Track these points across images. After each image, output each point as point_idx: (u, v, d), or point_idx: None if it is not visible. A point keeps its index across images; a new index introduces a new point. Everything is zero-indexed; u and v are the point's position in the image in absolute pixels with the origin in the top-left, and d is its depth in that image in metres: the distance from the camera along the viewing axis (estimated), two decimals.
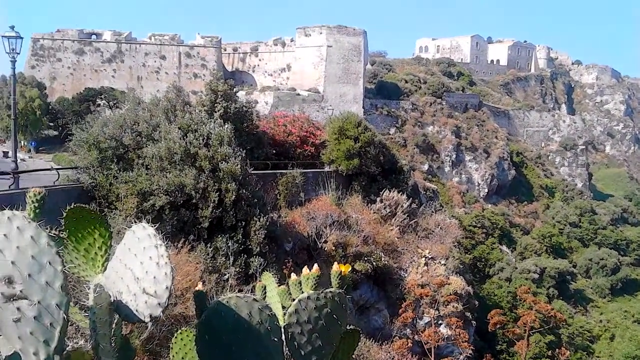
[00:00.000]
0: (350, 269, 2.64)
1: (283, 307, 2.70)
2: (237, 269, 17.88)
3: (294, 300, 2.56)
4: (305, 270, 2.61)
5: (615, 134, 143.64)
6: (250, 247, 19.14)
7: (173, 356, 3.30)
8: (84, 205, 2.44)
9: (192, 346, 3.28)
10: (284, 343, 2.54)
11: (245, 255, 18.53)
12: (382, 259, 25.89)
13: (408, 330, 20.71)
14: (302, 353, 2.56)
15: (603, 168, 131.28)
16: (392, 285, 26.64)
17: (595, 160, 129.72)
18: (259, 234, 19.27)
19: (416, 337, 20.26)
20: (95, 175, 18.54)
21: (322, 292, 2.54)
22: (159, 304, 2.20)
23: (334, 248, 23.35)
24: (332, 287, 2.60)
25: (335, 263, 2.65)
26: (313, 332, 2.54)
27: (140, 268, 2.24)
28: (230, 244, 18.37)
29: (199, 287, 2.51)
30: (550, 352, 52.47)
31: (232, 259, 17.93)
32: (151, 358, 11.20)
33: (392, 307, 25.23)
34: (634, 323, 70.19)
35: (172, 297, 2.27)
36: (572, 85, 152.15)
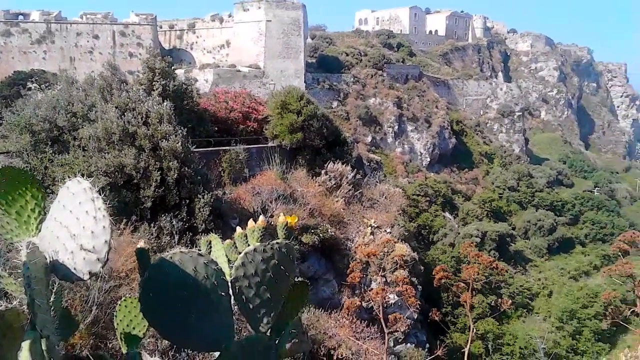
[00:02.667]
0: (296, 219, 2.62)
1: (230, 262, 2.65)
2: (183, 247, 17.65)
3: (240, 253, 2.52)
4: (250, 222, 2.57)
5: (550, 99, 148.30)
6: (195, 224, 18.93)
7: (118, 323, 3.22)
8: (12, 166, 2.31)
9: (137, 312, 3.21)
10: (232, 297, 2.50)
11: (191, 234, 18.32)
12: (329, 230, 26.08)
13: (357, 298, 21.05)
14: (251, 306, 2.53)
15: (539, 133, 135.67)
16: (340, 255, 26.95)
17: (531, 126, 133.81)
18: (203, 211, 19.07)
19: (364, 304, 20.61)
20: (29, 159, 17.86)
21: (268, 244, 2.50)
22: (98, 259, 2.12)
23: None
24: (278, 239, 2.57)
25: (282, 213, 2.62)
26: (261, 285, 2.51)
27: (76, 224, 2.15)
28: (174, 223, 18.11)
29: (141, 244, 2.44)
30: (492, 313, 54.52)
31: (177, 237, 17.69)
32: (97, 341, 10.98)
33: (340, 277, 25.54)
34: (570, 279, 73.62)
35: (112, 251, 2.19)
36: (508, 54, 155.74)
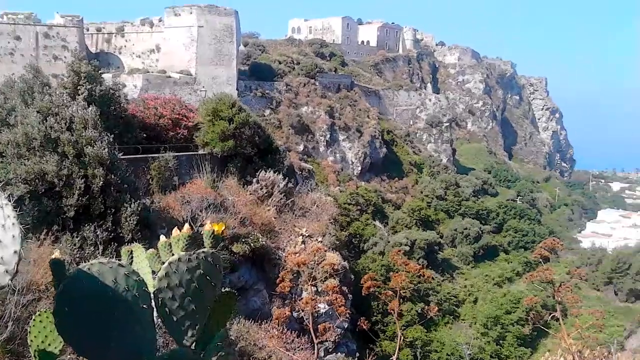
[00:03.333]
0: (224, 227, 2.53)
1: (154, 272, 2.53)
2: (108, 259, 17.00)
3: (163, 263, 2.41)
4: (175, 231, 2.47)
5: (476, 111, 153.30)
6: (121, 234, 18.31)
7: (32, 340, 3.02)
8: None
9: (52, 327, 3.02)
10: (155, 310, 2.38)
11: (117, 244, 17.69)
12: (260, 239, 25.88)
13: (287, 308, 20.94)
14: (175, 319, 2.42)
15: (465, 143, 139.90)
16: (271, 265, 26.76)
17: (458, 136, 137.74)
18: (130, 220, 18.48)
19: (295, 314, 20.52)
20: None
21: (193, 253, 2.41)
22: (7, 270, 1.97)
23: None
24: (204, 248, 2.47)
25: (208, 221, 2.52)
26: (185, 296, 2.41)
27: None
28: (99, 233, 17.46)
29: (56, 255, 2.29)
30: (420, 320, 55.62)
31: (101, 248, 17.05)
32: (13, 359, 10.40)
33: (271, 287, 25.35)
34: (494, 286, 76.11)
35: (23, 262, 2.04)
36: (437, 66, 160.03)
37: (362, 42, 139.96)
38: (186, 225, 2.48)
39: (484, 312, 68.07)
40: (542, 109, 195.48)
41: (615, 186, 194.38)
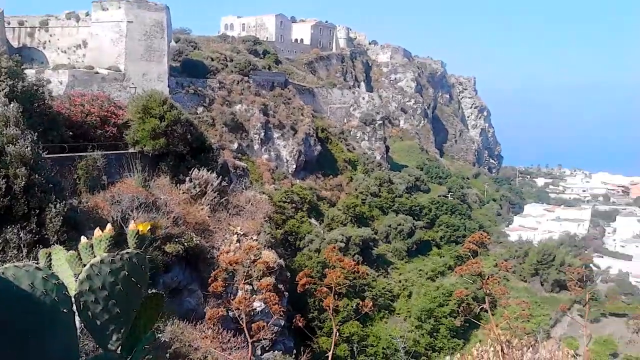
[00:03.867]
0: (149, 227, 2.44)
1: (76, 276, 2.41)
2: (33, 262, 16.31)
3: (85, 265, 2.29)
4: (97, 231, 2.36)
5: (408, 109, 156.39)
6: (46, 236, 17.59)
7: None
8: None
9: None
10: (76, 314, 2.27)
11: (41, 246, 16.95)
12: (194, 239, 25.47)
13: (221, 308, 20.70)
14: (98, 323, 2.32)
15: (398, 141, 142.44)
16: (205, 265, 26.38)
17: (391, 134, 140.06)
18: (55, 221, 17.76)
19: (230, 313, 20.30)
20: None
21: (117, 254, 2.30)
22: None
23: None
24: (129, 248, 2.38)
25: (132, 221, 2.43)
26: (109, 299, 2.31)
27: None
28: (22, 235, 16.71)
29: None
30: (356, 316, 56.28)
31: (25, 251, 16.33)
32: None
33: (206, 287, 24.93)
34: (428, 280, 77.92)
35: None
36: (370, 64, 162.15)
37: (296, 40, 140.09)
38: (108, 226, 2.37)
39: (418, 305, 69.60)
40: (471, 107, 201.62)
41: (540, 181, 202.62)
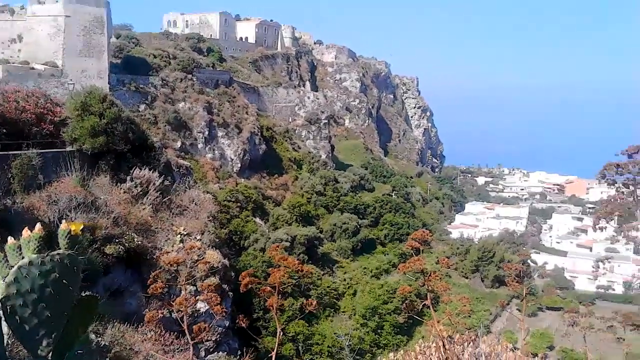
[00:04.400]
0: (82, 227, 2.33)
1: (3, 278, 2.27)
2: None
3: (12, 267, 2.17)
4: (25, 231, 2.24)
5: (353, 109, 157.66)
6: None
7: None
8: None
9: None
10: (2, 319, 2.15)
11: None
12: (135, 239, 24.87)
13: (161, 309, 20.31)
14: (27, 328, 2.20)
15: (343, 140, 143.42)
16: (147, 266, 25.80)
17: (336, 133, 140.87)
18: None
19: (173, 315, 19.95)
20: None
21: (47, 255, 2.19)
22: None
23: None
24: (60, 249, 2.26)
25: (64, 221, 2.31)
26: (39, 302, 2.19)
27: None
28: None
29: None
30: (302, 315, 56.39)
31: None
32: None
33: (148, 289, 24.46)
34: (372, 278, 78.76)
35: None
36: (315, 64, 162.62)
37: (241, 38, 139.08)
38: (38, 225, 2.26)
39: (363, 303, 70.27)
40: (414, 107, 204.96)
41: (480, 180, 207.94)
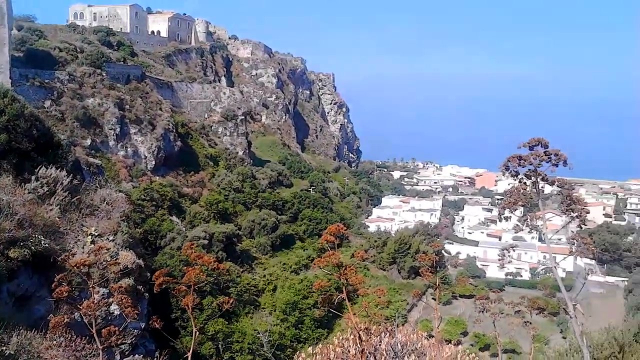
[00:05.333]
0: None
1: None
2: None
3: None
4: None
5: (269, 104, 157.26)
6: None
7: None
8: None
9: None
10: None
11: None
12: (42, 242, 23.58)
13: (76, 314, 19.43)
14: None
15: (260, 136, 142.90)
16: (56, 269, 24.57)
17: (253, 129, 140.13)
18: None
19: (85, 319, 19.09)
20: None
21: None
22: None
23: None
24: None
25: None
26: None
27: None
28: None
29: None
30: (221, 313, 55.81)
31: None
32: None
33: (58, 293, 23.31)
34: (292, 273, 78.98)
35: None
36: (230, 59, 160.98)
37: (153, 32, 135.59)
38: None
39: (283, 299, 70.34)
40: (331, 103, 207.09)
41: (396, 174, 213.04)
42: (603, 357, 11.33)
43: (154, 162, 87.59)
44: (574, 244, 6.39)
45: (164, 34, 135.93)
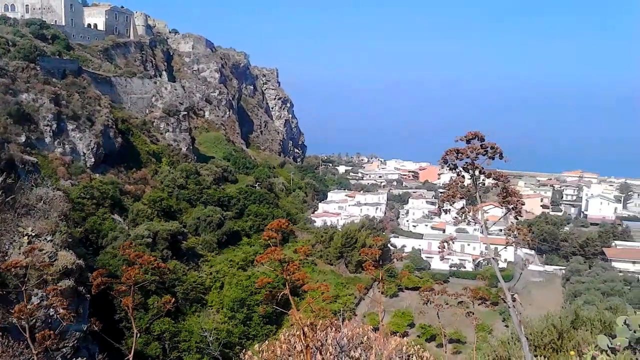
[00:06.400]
0: None
1: None
2: None
3: None
4: None
5: (212, 100, 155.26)
6: None
7: None
8: None
9: None
10: None
11: None
12: None
13: (14, 319, 18.73)
14: None
15: (204, 132, 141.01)
16: None
17: (196, 125, 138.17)
18: None
19: (23, 322, 18.41)
20: None
21: None
22: None
23: None
24: None
25: None
26: None
27: None
28: None
29: None
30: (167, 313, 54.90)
31: None
32: None
33: None
34: (239, 270, 78.42)
35: None
36: (171, 54, 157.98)
37: (89, 25, 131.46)
38: None
39: (230, 296, 69.79)
40: (275, 98, 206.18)
41: (341, 169, 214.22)
42: (543, 344, 11.74)
43: (93, 160, 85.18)
44: (509, 235, 6.57)
45: (101, 27, 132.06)
